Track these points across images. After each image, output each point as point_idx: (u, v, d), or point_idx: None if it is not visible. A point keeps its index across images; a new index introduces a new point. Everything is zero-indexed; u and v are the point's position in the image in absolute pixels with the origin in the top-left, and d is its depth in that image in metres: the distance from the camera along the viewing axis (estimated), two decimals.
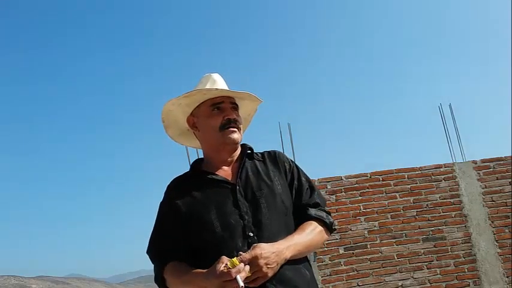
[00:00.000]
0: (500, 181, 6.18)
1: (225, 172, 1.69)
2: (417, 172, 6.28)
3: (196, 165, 1.76)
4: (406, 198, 6.13)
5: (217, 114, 1.67)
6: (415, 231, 5.99)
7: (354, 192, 6.16)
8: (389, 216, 6.05)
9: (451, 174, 6.23)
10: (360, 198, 6.13)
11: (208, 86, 1.69)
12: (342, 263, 5.87)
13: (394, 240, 5.95)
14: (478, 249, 5.91)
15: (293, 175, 1.72)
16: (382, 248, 5.92)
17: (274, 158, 1.75)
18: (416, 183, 6.20)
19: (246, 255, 1.39)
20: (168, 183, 1.75)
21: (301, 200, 1.68)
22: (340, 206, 6.09)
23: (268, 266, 1.42)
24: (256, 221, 1.56)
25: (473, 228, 5.99)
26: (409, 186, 6.18)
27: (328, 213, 1.72)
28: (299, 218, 1.66)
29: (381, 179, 6.24)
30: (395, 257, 5.88)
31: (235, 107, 1.71)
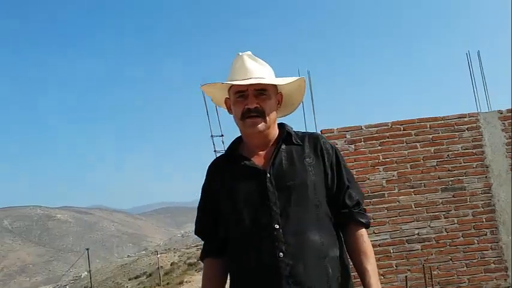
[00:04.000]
0: None
1: (259, 157, 1.67)
2: (440, 122, 6.13)
3: (234, 145, 1.74)
4: (427, 148, 6.03)
5: (240, 102, 1.65)
6: (434, 181, 5.94)
7: (374, 142, 6.07)
8: (408, 166, 5.99)
9: (475, 124, 6.07)
10: (379, 148, 6.05)
11: (233, 75, 1.66)
12: None
13: (412, 190, 5.93)
14: (497, 199, 5.86)
15: (332, 166, 1.68)
16: (400, 197, 5.92)
17: (315, 143, 1.69)
18: (439, 133, 6.07)
19: None
20: (208, 165, 1.78)
21: (342, 197, 1.66)
22: (358, 156, 6.04)
23: None
24: (284, 213, 1.55)
25: (494, 178, 5.91)
26: (430, 136, 6.05)
27: (365, 210, 1.72)
28: (341, 217, 1.65)
29: (402, 129, 6.12)
30: (413, 206, 5.89)
31: (261, 92, 1.64)
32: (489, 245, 5.75)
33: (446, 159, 5.99)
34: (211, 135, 7.18)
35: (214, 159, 1.82)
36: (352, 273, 1.70)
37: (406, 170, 5.98)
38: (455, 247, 5.75)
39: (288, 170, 1.61)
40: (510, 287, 5.60)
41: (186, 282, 41.29)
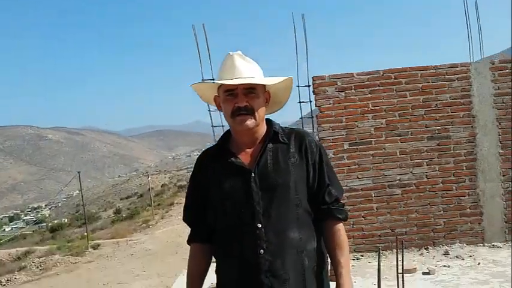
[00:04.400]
0: None
1: (246, 155, 1.75)
2: (431, 71, 6.19)
3: (225, 138, 1.83)
4: (416, 97, 6.14)
5: (230, 101, 1.71)
6: (421, 129, 6.11)
7: (364, 89, 6.16)
8: (397, 115, 6.13)
9: (466, 74, 6.14)
10: (369, 95, 6.15)
11: (223, 74, 1.72)
12: (345, 158, 6.13)
13: (399, 137, 6.12)
14: (480, 148, 6.08)
15: (315, 165, 1.76)
16: (386, 144, 6.11)
17: (300, 142, 1.77)
18: (429, 82, 6.15)
19: None
20: (198, 156, 1.88)
21: (322, 195, 1.77)
22: (349, 103, 6.15)
23: None
24: (266, 213, 1.66)
25: (479, 128, 6.10)
26: (420, 86, 6.14)
27: (343, 205, 1.83)
28: (320, 213, 1.77)
29: (393, 77, 6.19)
30: (398, 154, 6.10)
31: (250, 91, 1.71)
32: (467, 191, 6.05)
33: (434, 108, 6.13)
34: (202, 80, 7.23)
35: (205, 150, 1.92)
36: (327, 261, 1.84)
37: (394, 118, 6.13)
38: (434, 192, 6.05)
39: (272, 171, 1.70)
40: (483, 230, 5.98)
41: (177, 203, 42.46)
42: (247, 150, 1.76)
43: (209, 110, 8.25)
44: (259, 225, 1.65)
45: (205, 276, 1.86)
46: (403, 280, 2.34)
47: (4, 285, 17.25)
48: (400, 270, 4.88)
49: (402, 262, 2.77)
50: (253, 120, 1.70)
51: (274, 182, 1.68)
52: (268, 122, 1.82)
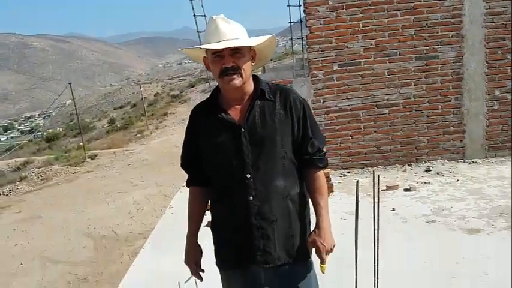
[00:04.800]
0: (504, 2, 6.09)
1: (236, 111, 1.89)
2: None
3: (215, 94, 1.97)
4: (407, 17, 6.14)
5: (217, 62, 1.82)
6: (410, 49, 6.19)
7: (355, 9, 6.13)
8: (387, 35, 6.17)
9: None
10: (360, 15, 6.14)
11: (209, 37, 1.82)
12: (334, 79, 6.27)
13: (387, 58, 6.21)
14: (467, 68, 6.22)
15: (299, 120, 1.91)
16: (375, 65, 6.23)
17: (285, 99, 1.90)
18: (421, 1, 6.12)
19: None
20: (192, 109, 2.04)
21: (305, 146, 1.94)
22: (339, 24, 6.16)
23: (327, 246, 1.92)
24: (255, 165, 1.86)
25: (467, 48, 6.19)
26: (412, 5, 6.12)
27: (324, 153, 2.00)
28: (303, 162, 1.96)
29: None
30: (386, 74, 6.24)
31: (236, 51, 1.81)
32: (452, 110, 6.30)
33: (424, 28, 6.16)
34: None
35: (197, 105, 2.05)
36: (309, 203, 2.06)
37: (384, 38, 6.18)
38: (420, 112, 6.29)
39: (260, 127, 1.85)
40: (465, 147, 6.32)
41: (170, 113, 42.83)
42: (237, 106, 1.90)
43: (194, 16, 8.20)
44: (248, 176, 1.85)
45: (203, 214, 2.10)
46: (378, 196, 2.63)
47: (7, 195, 17.96)
48: (381, 188, 5.26)
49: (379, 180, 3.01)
50: (240, 78, 1.82)
51: (262, 137, 1.85)
52: (255, 79, 1.95)
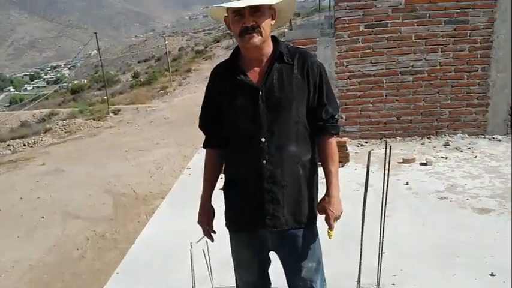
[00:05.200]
0: None
1: (254, 73, 1.89)
2: None
3: (235, 55, 1.95)
4: None
5: (237, 21, 1.80)
6: (440, 12, 5.89)
7: None
8: None
9: None
10: None
11: None
12: (359, 40, 6.03)
13: (416, 20, 5.92)
14: (497, 35, 5.91)
15: (315, 86, 1.90)
16: (403, 27, 5.95)
17: (303, 63, 1.89)
18: None
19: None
20: (212, 70, 2.02)
21: (320, 112, 1.93)
22: None
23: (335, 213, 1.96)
24: (270, 129, 1.86)
25: (499, 13, 5.85)
26: None
27: (337, 120, 1.99)
28: (317, 128, 1.95)
29: None
30: (413, 38, 5.97)
31: (257, 10, 1.78)
32: (477, 81, 6.03)
33: None
34: None
35: (217, 66, 2.05)
36: (318, 169, 2.06)
37: None
38: (445, 81, 6.04)
39: (277, 90, 1.85)
40: (487, 121, 6.08)
41: (194, 70, 42.62)
42: (256, 68, 1.89)
43: None
44: (263, 140, 1.86)
45: (218, 176, 2.13)
46: (389, 170, 2.57)
47: (31, 146, 18.40)
48: (397, 161, 5.12)
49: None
50: (259, 37, 1.81)
51: (279, 101, 1.85)
52: (275, 41, 1.93)
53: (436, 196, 4.30)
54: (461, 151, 5.55)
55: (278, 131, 1.86)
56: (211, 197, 2.12)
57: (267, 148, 1.86)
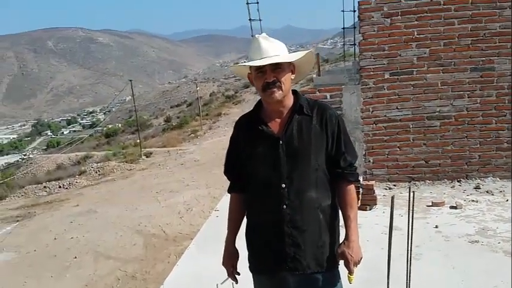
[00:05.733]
0: None
1: (275, 124, 2.03)
2: None
3: (258, 107, 2.12)
4: (464, 26, 5.94)
5: (260, 77, 1.97)
6: (465, 60, 5.99)
7: (411, 16, 6.00)
8: (442, 44, 5.99)
9: None
10: (415, 23, 5.99)
11: (252, 54, 1.97)
12: (385, 87, 6.16)
13: (441, 68, 6.03)
14: None
15: (333, 135, 2.03)
16: (428, 75, 6.06)
17: (322, 114, 2.03)
18: (479, 9, 5.90)
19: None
20: (236, 121, 2.20)
21: (338, 161, 2.05)
22: (393, 31, 6.04)
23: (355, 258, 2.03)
24: (290, 175, 1.98)
25: None
26: (470, 13, 5.91)
27: (355, 168, 2.10)
28: (336, 175, 2.07)
29: (442, 3, 5.95)
30: (439, 85, 6.06)
31: (277, 66, 1.94)
32: (506, 125, 6.02)
33: (481, 37, 5.94)
34: (247, 2, 7.18)
35: (241, 117, 2.21)
36: (339, 215, 2.16)
37: (438, 47, 6.00)
38: (472, 126, 6.06)
39: (297, 140, 1.99)
40: None
41: (224, 114, 43.42)
42: (277, 119, 2.04)
43: (250, 19, 8.35)
44: (284, 186, 1.98)
45: (242, 220, 2.25)
46: (413, 212, 2.63)
47: (66, 188, 18.98)
48: (427, 204, 5.11)
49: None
50: (280, 91, 1.97)
51: (298, 149, 1.98)
52: (296, 94, 2.08)
53: (466, 240, 4.26)
54: (493, 194, 5.49)
55: (298, 177, 1.98)
56: (235, 239, 2.23)
57: (287, 194, 1.98)
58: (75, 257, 8.40)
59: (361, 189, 5.46)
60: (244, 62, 2.04)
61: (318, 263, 2.02)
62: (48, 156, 39.71)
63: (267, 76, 1.94)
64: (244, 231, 2.18)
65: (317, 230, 2.02)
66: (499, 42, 5.91)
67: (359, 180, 2.13)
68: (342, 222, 2.13)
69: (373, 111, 6.23)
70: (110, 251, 8.50)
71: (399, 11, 6.02)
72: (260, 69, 1.95)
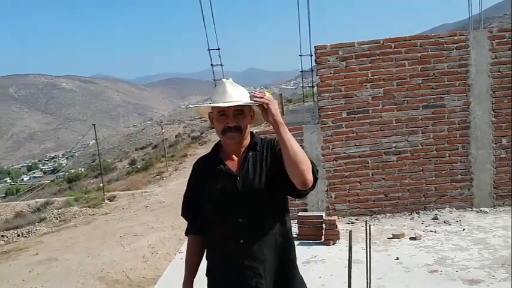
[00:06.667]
0: (510, 52, 6.23)
1: (233, 162, 2.13)
2: (430, 40, 6.33)
3: (216, 148, 2.21)
4: (414, 67, 6.31)
5: (221, 120, 2.07)
6: (417, 98, 6.32)
7: (364, 59, 6.34)
8: (394, 84, 6.33)
9: (464, 44, 6.26)
10: (369, 65, 6.33)
11: (216, 96, 2.07)
12: (343, 126, 6.40)
13: (395, 106, 6.34)
14: (473, 117, 6.30)
15: (279, 155, 2.02)
16: (383, 113, 6.35)
17: (271, 147, 2.12)
18: (428, 51, 6.30)
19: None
20: (194, 162, 2.28)
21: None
22: (348, 73, 6.35)
23: (272, 105, 1.93)
24: (247, 209, 2.05)
25: (473, 97, 6.29)
26: (419, 55, 6.30)
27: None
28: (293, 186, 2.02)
29: (392, 46, 6.34)
30: (394, 122, 6.36)
31: (239, 112, 2.06)
32: (459, 158, 6.33)
33: (431, 77, 6.31)
34: (208, 49, 7.42)
35: (199, 158, 2.30)
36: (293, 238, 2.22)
37: (392, 87, 6.33)
38: (427, 159, 6.34)
39: (252, 174, 2.08)
40: (472, 195, 6.30)
41: (190, 155, 43.21)
42: (234, 158, 2.14)
43: (212, 65, 8.59)
44: (241, 220, 2.05)
45: (200, 262, 2.28)
46: (370, 246, 2.72)
47: (25, 236, 18.24)
48: (387, 236, 5.23)
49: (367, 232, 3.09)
50: (240, 136, 2.08)
51: (254, 184, 2.06)
52: (251, 134, 2.19)
53: (426, 269, 4.40)
54: (450, 224, 5.71)
55: (254, 210, 2.05)
56: (192, 282, 2.27)
57: (244, 228, 2.04)
58: None
59: (324, 224, 5.57)
60: (210, 103, 2.13)
61: (280, 286, 2.08)
62: (7, 204, 38.18)
63: (229, 120, 2.05)
64: (205, 272, 2.20)
65: (276, 256, 2.08)
66: (447, 81, 6.30)
67: (316, 177, 2.10)
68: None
69: (333, 148, 6.44)
70: None
71: (353, 54, 6.35)
72: (223, 113, 2.05)
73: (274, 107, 1.94)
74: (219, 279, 2.12)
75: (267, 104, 1.93)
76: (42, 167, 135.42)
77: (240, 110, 2.05)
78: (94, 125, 37.47)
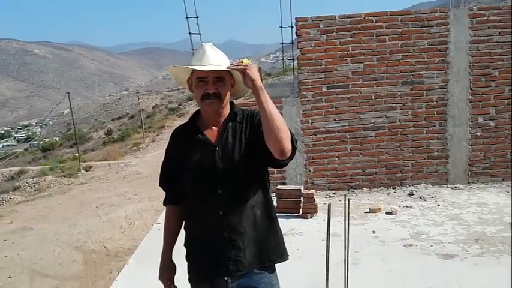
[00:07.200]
0: (490, 31, 6.30)
1: (212, 132, 2.06)
2: (411, 16, 6.35)
3: (194, 117, 2.14)
4: (394, 42, 6.33)
5: (201, 87, 1.99)
6: (397, 74, 6.37)
7: (345, 33, 6.32)
8: (374, 59, 6.35)
9: (444, 20, 6.30)
10: (350, 39, 6.32)
11: (196, 61, 1.98)
12: (323, 100, 6.42)
13: (375, 82, 6.38)
14: (451, 94, 6.39)
15: (259, 124, 1.97)
16: (362, 88, 6.39)
17: (251, 118, 2.06)
18: (409, 27, 6.31)
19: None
20: (172, 132, 2.20)
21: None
22: (329, 46, 6.33)
23: (250, 70, 1.86)
24: (225, 181, 2.01)
25: (452, 75, 6.36)
26: (400, 30, 6.31)
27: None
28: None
29: (374, 21, 6.33)
30: (373, 97, 6.40)
31: (219, 79, 1.98)
32: (436, 135, 6.44)
33: (411, 53, 6.35)
34: (186, 17, 7.26)
35: (177, 128, 2.22)
36: (274, 206, 2.20)
37: (372, 62, 6.35)
38: (405, 136, 6.43)
39: (231, 145, 2.02)
40: (448, 172, 6.44)
41: (168, 126, 42.87)
42: (213, 128, 2.07)
43: (190, 33, 8.42)
44: (220, 191, 2.01)
45: (178, 232, 2.24)
46: (348, 219, 2.77)
47: (0, 205, 17.96)
48: (364, 210, 5.34)
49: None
50: (219, 103, 2.01)
51: (233, 155, 2.02)
52: (231, 104, 2.13)
53: (401, 243, 4.51)
54: (425, 200, 5.84)
55: (232, 181, 2.00)
56: (171, 252, 2.23)
57: (223, 199, 2.00)
58: (10, 277, 7.97)
59: (302, 198, 5.63)
60: (187, 66, 2.04)
61: (259, 260, 2.05)
62: None
63: (208, 87, 1.97)
64: (183, 243, 2.17)
65: (255, 228, 2.06)
66: (427, 58, 6.34)
67: (295, 147, 2.06)
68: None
69: (312, 122, 6.46)
70: (47, 269, 8.14)
71: (334, 27, 6.32)
72: (202, 78, 1.98)
73: (253, 71, 1.86)
74: (197, 250, 2.10)
75: (244, 69, 1.86)
76: (16, 135, 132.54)
77: (219, 77, 1.98)
78: (68, 93, 36.70)
